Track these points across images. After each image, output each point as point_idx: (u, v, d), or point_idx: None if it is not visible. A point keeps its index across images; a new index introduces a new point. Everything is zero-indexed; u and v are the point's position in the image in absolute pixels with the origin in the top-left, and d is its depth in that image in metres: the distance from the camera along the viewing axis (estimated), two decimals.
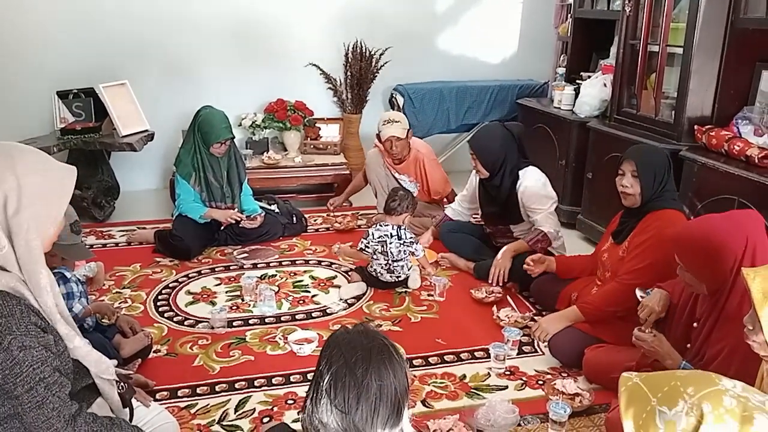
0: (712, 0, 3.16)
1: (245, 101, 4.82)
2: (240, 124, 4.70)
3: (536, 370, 2.56)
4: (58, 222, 1.45)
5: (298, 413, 2.26)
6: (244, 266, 3.50)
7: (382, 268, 3.20)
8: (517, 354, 2.67)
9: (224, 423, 2.23)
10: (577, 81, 4.40)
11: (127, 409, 1.66)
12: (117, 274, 3.37)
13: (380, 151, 3.99)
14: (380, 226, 3.23)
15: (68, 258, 2.37)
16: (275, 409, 2.31)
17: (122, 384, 1.66)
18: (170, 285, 3.27)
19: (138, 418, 1.72)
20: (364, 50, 4.86)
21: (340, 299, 3.14)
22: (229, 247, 3.72)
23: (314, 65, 4.93)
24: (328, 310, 3.04)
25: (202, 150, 3.62)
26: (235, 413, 2.28)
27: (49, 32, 4.40)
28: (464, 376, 2.52)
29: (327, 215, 4.30)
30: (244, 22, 4.75)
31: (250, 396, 2.38)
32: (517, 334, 2.67)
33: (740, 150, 2.99)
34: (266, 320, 2.94)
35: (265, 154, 4.59)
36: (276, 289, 3.21)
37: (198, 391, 2.41)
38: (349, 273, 3.35)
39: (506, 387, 2.46)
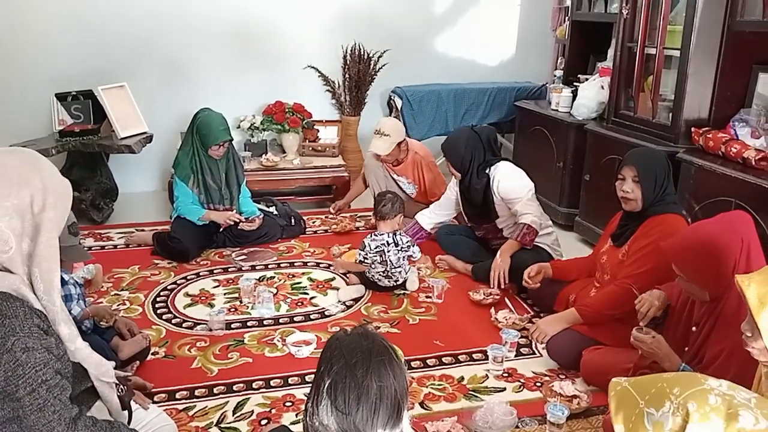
0: (709, 3, 3.18)
1: (244, 103, 4.83)
2: (238, 126, 4.71)
3: (534, 372, 2.57)
4: (62, 226, 1.48)
5: (297, 415, 2.27)
6: (243, 268, 3.51)
7: (380, 275, 3.20)
8: (515, 356, 2.67)
9: (222, 425, 2.23)
10: (575, 83, 4.42)
11: (126, 412, 1.66)
12: (115, 276, 3.37)
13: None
14: (375, 235, 3.21)
15: (66, 259, 2.36)
16: (273, 411, 2.31)
17: (121, 387, 1.66)
18: (168, 287, 3.28)
19: (136, 420, 1.72)
20: (362, 52, 4.87)
21: (339, 301, 3.15)
22: (228, 249, 3.72)
23: (313, 67, 4.94)
24: (326, 312, 3.05)
25: (200, 152, 3.63)
26: (233, 415, 2.28)
27: (47, 34, 4.40)
28: (462, 378, 2.52)
29: (326, 217, 4.31)
30: (243, 24, 4.76)
31: (248, 398, 2.38)
32: (515, 336, 2.67)
33: (737, 152, 3.00)
34: (264, 322, 2.94)
35: (263, 156, 4.60)
36: (274, 291, 3.21)
37: (196, 393, 2.41)
38: (347, 275, 3.35)
39: (504, 389, 2.46)
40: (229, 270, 3.50)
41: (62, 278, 2.40)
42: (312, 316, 3.01)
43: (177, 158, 3.71)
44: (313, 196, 4.66)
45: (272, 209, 4.02)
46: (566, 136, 4.13)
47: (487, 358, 2.59)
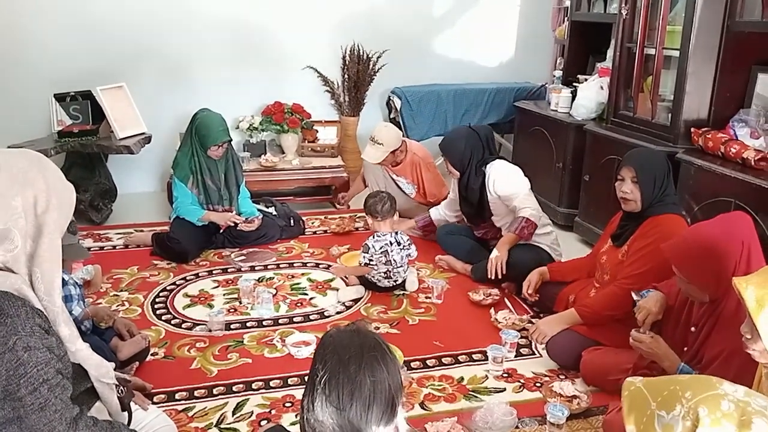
0: (708, 3, 3.18)
1: (243, 104, 4.82)
2: (237, 127, 4.71)
3: (534, 373, 2.57)
4: (65, 228, 1.50)
5: (296, 416, 2.26)
6: (242, 269, 3.50)
7: (381, 275, 3.20)
8: (515, 356, 2.67)
9: (222, 426, 2.23)
10: (574, 84, 4.42)
11: (126, 413, 1.66)
12: (114, 277, 3.36)
13: None
14: (378, 236, 3.21)
15: (66, 258, 2.36)
16: (273, 411, 2.31)
17: (121, 388, 1.66)
18: (168, 288, 3.27)
19: (136, 421, 1.72)
20: (361, 53, 4.87)
21: (338, 302, 3.14)
22: (227, 250, 3.72)
23: (312, 68, 4.94)
24: (325, 313, 3.04)
25: (199, 153, 3.62)
26: (232, 416, 2.28)
27: (46, 35, 4.40)
28: (462, 379, 2.52)
29: (325, 218, 4.31)
30: (242, 25, 4.75)
31: (247, 399, 2.38)
32: (514, 337, 2.67)
33: (736, 152, 3.00)
34: (264, 323, 2.93)
35: (262, 156, 4.59)
36: (274, 291, 3.21)
37: (196, 394, 2.40)
38: (347, 276, 3.35)
39: (504, 389, 2.46)
40: (229, 270, 3.49)
41: (62, 279, 2.40)
42: (311, 317, 3.01)
43: (176, 159, 3.71)
44: (312, 196, 4.65)
45: (271, 210, 4.02)
46: (566, 136, 4.13)
47: (486, 359, 2.59)
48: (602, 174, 3.66)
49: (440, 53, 5.28)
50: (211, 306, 3.08)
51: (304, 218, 4.14)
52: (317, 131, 4.89)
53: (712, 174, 3.01)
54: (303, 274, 3.47)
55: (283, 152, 4.78)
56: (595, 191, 3.82)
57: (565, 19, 4.81)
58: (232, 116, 4.61)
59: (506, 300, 3.07)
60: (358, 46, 4.86)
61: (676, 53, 3.38)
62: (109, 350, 2.40)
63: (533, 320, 2.87)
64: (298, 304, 3.12)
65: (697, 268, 1.97)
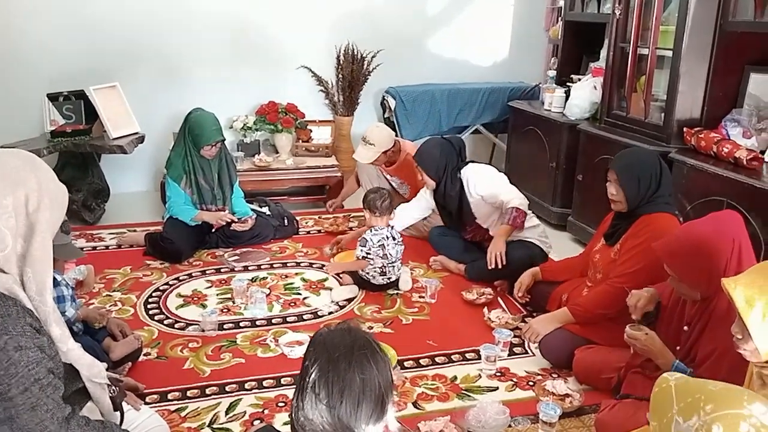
0: (701, 3, 3.19)
1: (236, 103, 4.81)
2: (231, 127, 4.70)
3: (527, 371, 2.57)
4: (57, 228, 1.49)
5: (289, 415, 2.25)
6: (235, 269, 3.50)
7: (375, 271, 3.20)
8: (508, 355, 2.67)
9: (215, 426, 2.22)
10: (568, 83, 4.43)
11: (118, 413, 1.66)
12: (107, 277, 3.35)
13: None
14: (376, 230, 3.23)
15: (59, 257, 2.35)
16: (266, 411, 2.30)
17: (113, 387, 1.66)
18: (161, 288, 3.26)
19: (128, 421, 1.72)
20: (355, 53, 4.87)
21: (332, 301, 3.14)
22: (220, 250, 3.71)
23: (306, 67, 4.93)
24: (319, 313, 3.04)
25: (192, 152, 3.61)
26: (225, 416, 2.28)
27: (39, 35, 4.38)
28: (455, 378, 2.52)
29: (319, 217, 4.30)
30: (236, 24, 4.74)
31: (240, 399, 2.37)
32: (507, 336, 2.68)
33: (729, 152, 3.01)
34: (257, 323, 2.93)
35: (256, 156, 4.58)
36: (267, 291, 3.20)
37: (188, 394, 2.40)
38: (341, 275, 3.35)
39: (497, 388, 2.46)
40: (222, 270, 3.48)
41: (54, 279, 2.39)
42: (305, 317, 3.00)
43: (169, 158, 3.70)
44: (306, 196, 4.65)
45: (265, 209, 4.01)
46: (559, 136, 4.14)
47: (480, 358, 2.60)
48: (595, 174, 3.66)
49: (434, 53, 5.28)
50: (204, 306, 3.08)
51: (297, 218, 4.14)
52: (311, 131, 4.89)
53: (705, 173, 3.02)
54: (297, 273, 3.47)
55: (277, 152, 4.77)
56: (588, 191, 3.83)
57: (559, 19, 4.82)
58: (226, 116, 4.60)
59: (499, 299, 3.08)
60: (352, 45, 4.86)
61: (669, 53, 3.38)
62: (101, 350, 2.39)
63: (526, 319, 2.87)
64: (292, 304, 3.12)
65: (688, 266, 1.97)
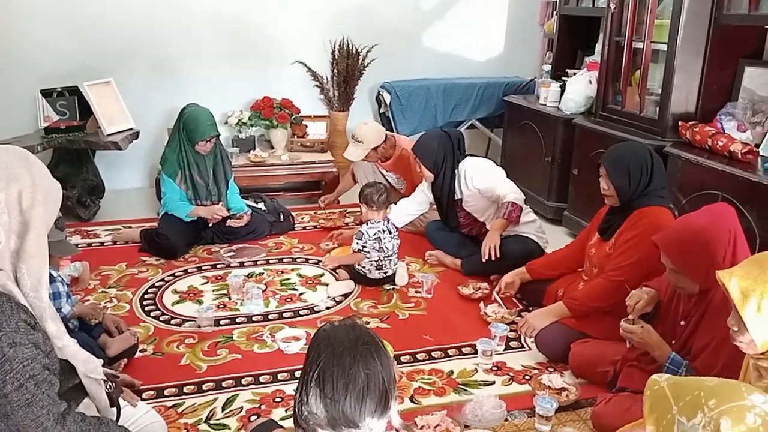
0: None
1: (231, 99, 4.80)
2: (226, 122, 4.68)
3: (523, 366, 2.58)
4: (51, 224, 1.49)
5: (286, 411, 2.26)
6: (231, 265, 3.49)
7: (371, 265, 3.20)
8: (504, 350, 2.68)
9: (211, 422, 2.22)
10: (563, 78, 4.43)
11: (115, 409, 1.66)
12: (102, 274, 3.34)
13: None
14: (372, 223, 3.23)
15: (54, 254, 2.35)
16: (263, 407, 2.30)
17: (110, 383, 1.66)
18: (156, 284, 3.26)
19: (125, 417, 1.71)
20: (350, 48, 4.85)
21: (328, 297, 3.14)
22: (216, 246, 3.70)
23: (301, 63, 4.92)
24: (315, 308, 3.04)
25: (187, 148, 3.60)
26: (222, 412, 2.28)
27: (33, 31, 4.35)
28: (452, 372, 2.53)
29: (315, 213, 4.30)
30: (230, 20, 4.72)
31: (237, 394, 2.37)
32: (504, 330, 2.68)
33: (723, 145, 3.02)
34: (253, 318, 2.93)
35: (251, 152, 4.57)
36: (263, 287, 3.20)
37: (185, 390, 2.40)
38: (337, 271, 3.35)
39: (493, 382, 2.47)
40: (218, 266, 3.48)
41: (50, 275, 2.38)
42: (301, 312, 3.00)
43: (164, 154, 3.68)
44: (301, 191, 4.64)
45: (261, 205, 4.00)
46: (554, 130, 4.14)
47: (476, 352, 2.60)
48: (591, 168, 3.65)
49: (429, 48, 5.27)
50: (200, 302, 3.07)
51: (293, 213, 4.13)
52: (306, 126, 4.88)
53: (700, 167, 3.03)
54: (293, 269, 3.46)
55: (272, 147, 4.76)
56: (583, 185, 3.83)
57: (554, 13, 4.81)
58: (221, 111, 4.59)
59: (495, 294, 3.08)
60: (347, 40, 4.85)
61: (664, 47, 3.38)
62: (97, 347, 2.39)
63: (522, 314, 2.88)
64: (288, 300, 3.12)
65: (689, 257, 1.98)
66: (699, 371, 1.95)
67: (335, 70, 4.92)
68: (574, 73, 4.31)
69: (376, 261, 3.19)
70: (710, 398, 1.08)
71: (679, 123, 3.32)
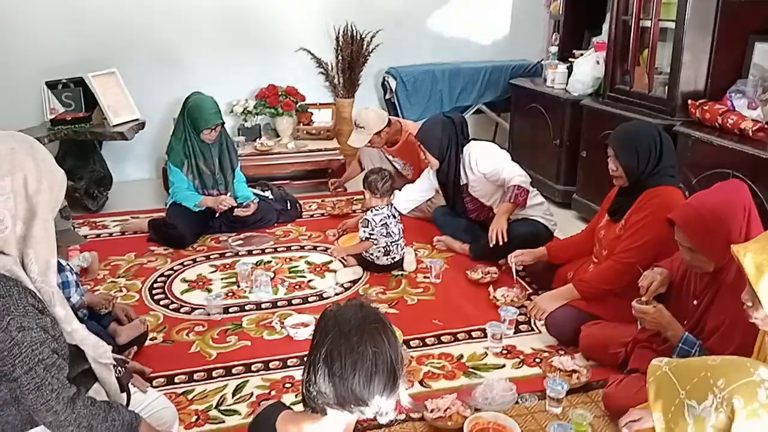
0: None
1: (236, 88, 4.78)
2: (231, 111, 4.67)
3: (533, 348, 2.57)
4: (57, 210, 1.50)
5: (296, 396, 2.26)
6: (239, 253, 3.49)
7: (379, 252, 3.20)
8: (514, 333, 2.67)
9: (222, 408, 2.23)
10: (570, 59, 4.38)
11: (124, 395, 1.66)
12: (112, 264, 3.35)
13: None
14: (376, 210, 3.22)
15: (61, 242, 2.35)
16: (273, 392, 2.31)
17: (119, 368, 1.66)
18: (165, 273, 3.26)
19: (135, 403, 1.72)
20: (354, 33, 4.82)
21: (337, 283, 3.14)
22: (224, 235, 3.70)
23: (305, 50, 4.89)
24: (324, 295, 3.03)
25: (192, 137, 3.60)
26: (232, 398, 2.28)
27: (36, 22, 4.34)
28: (461, 356, 2.52)
29: (322, 200, 4.29)
30: (233, 8, 4.70)
31: (247, 381, 2.38)
32: (513, 313, 2.67)
33: (734, 123, 2.98)
34: (262, 306, 2.93)
35: (257, 140, 4.56)
36: (272, 275, 3.19)
37: (195, 377, 2.40)
38: (345, 257, 3.34)
39: (504, 365, 2.46)
40: (226, 255, 3.48)
41: (60, 264, 2.39)
42: (310, 299, 3.00)
43: (170, 144, 3.68)
44: (308, 180, 4.63)
45: (267, 193, 4.00)
46: (562, 112, 4.09)
47: (485, 336, 2.59)
48: (599, 150, 3.59)
49: (434, 32, 5.22)
50: (209, 290, 3.07)
51: (300, 202, 4.12)
52: (312, 114, 4.86)
53: (710, 146, 2.99)
54: (301, 257, 3.46)
55: (278, 136, 4.74)
56: (592, 167, 3.80)
57: None
58: (226, 100, 4.57)
59: (513, 270, 3.04)
60: (351, 25, 4.81)
61: (672, 24, 3.34)
62: (107, 335, 2.40)
63: (532, 297, 2.86)
64: (297, 287, 3.11)
65: (705, 234, 1.95)
66: (713, 351, 1.93)
67: (340, 57, 4.88)
68: (581, 54, 4.26)
69: (384, 247, 3.18)
70: (718, 378, 1.07)
71: (689, 102, 3.28)
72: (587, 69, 4.04)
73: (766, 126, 2.93)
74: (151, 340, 2.63)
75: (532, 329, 2.71)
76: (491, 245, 3.13)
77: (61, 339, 1.47)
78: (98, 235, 3.77)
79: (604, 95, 3.87)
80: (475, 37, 5.34)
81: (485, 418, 2.07)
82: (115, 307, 2.56)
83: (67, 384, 1.42)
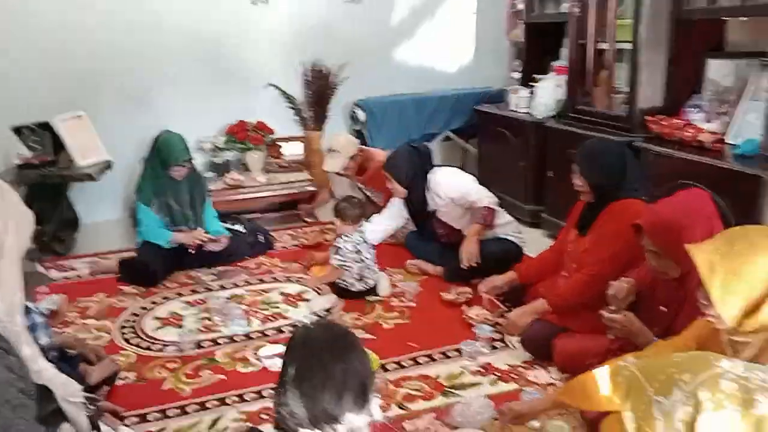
0: None
1: (205, 125, 4.78)
2: (201, 148, 4.67)
3: (509, 365, 2.57)
4: (24, 251, 1.49)
5: (274, 428, 2.22)
6: (212, 288, 3.45)
7: (353, 278, 3.19)
8: (490, 350, 2.67)
9: None
10: (532, 84, 4.48)
11: None
12: (81, 305, 3.28)
13: None
14: (346, 237, 3.23)
15: (28, 284, 2.31)
16: (249, 424, 2.26)
17: (90, 406, 1.63)
18: (136, 312, 3.21)
19: None
20: (322, 68, 4.88)
21: (311, 312, 3.12)
22: (196, 271, 3.66)
23: (273, 85, 4.93)
24: (299, 325, 3.01)
25: (162, 175, 3.58)
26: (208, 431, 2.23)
27: (2, 67, 4.32)
28: (438, 376, 2.51)
29: (295, 232, 4.28)
30: (200, 46, 4.73)
31: (222, 414, 2.33)
32: (488, 331, 2.68)
33: (692, 136, 3.07)
34: (236, 339, 2.89)
35: (227, 175, 4.55)
36: (245, 307, 3.16)
37: (168, 413, 2.35)
38: (319, 286, 3.33)
39: (480, 383, 2.46)
40: (198, 290, 3.44)
41: (27, 307, 2.34)
42: (284, 330, 2.97)
43: (139, 183, 3.66)
44: (281, 212, 4.63)
45: (239, 227, 3.97)
46: (527, 135, 4.18)
47: (461, 355, 2.59)
48: (565, 169, 3.65)
49: (400, 63, 5.31)
50: (181, 326, 3.03)
51: (273, 233, 4.11)
52: (282, 147, 4.88)
53: (670, 159, 3.07)
54: (274, 288, 3.43)
55: (249, 170, 4.75)
56: (559, 186, 3.85)
57: (520, 22, 4.88)
58: (195, 137, 4.57)
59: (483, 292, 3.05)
60: (317, 60, 4.87)
61: (629, 45, 3.45)
62: (78, 376, 2.34)
63: (505, 314, 2.87)
64: (271, 318, 3.09)
65: (671, 237, 1.99)
66: None
67: (308, 91, 4.93)
68: (542, 79, 4.37)
69: (357, 273, 3.18)
70: (684, 373, 1.08)
71: (648, 118, 3.37)
72: (549, 92, 4.14)
73: (722, 138, 3.03)
74: (122, 379, 2.57)
75: (508, 346, 2.71)
76: (464, 267, 3.15)
77: (29, 379, 1.44)
78: (67, 278, 3.70)
79: (567, 116, 3.97)
80: (440, 66, 5.44)
81: None
82: (84, 348, 2.51)
83: (36, 425, 1.39)
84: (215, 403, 2.40)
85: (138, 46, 4.58)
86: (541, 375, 2.36)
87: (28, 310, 2.30)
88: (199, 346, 2.82)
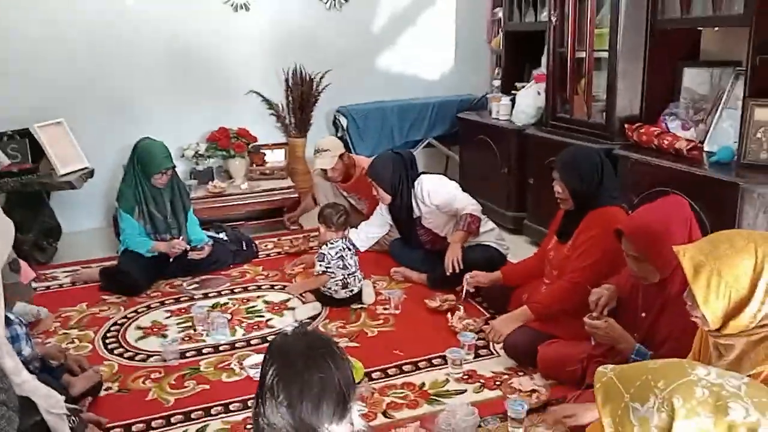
0: (632, 4, 3.33)
1: (187, 132, 4.76)
2: (183, 155, 4.65)
3: (493, 372, 2.59)
4: (3, 262, 1.48)
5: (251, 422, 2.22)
6: (195, 297, 3.44)
7: (337, 285, 3.20)
8: (474, 357, 2.69)
9: None
10: (513, 92, 4.53)
11: None
12: (63, 315, 3.26)
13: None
14: (331, 243, 3.24)
15: (10, 296, 2.29)
16: None
17: (73, 418, 1.63)
18: (119, 322, 3.19)
19: None
20: (303, 75, 4.89)
21: (295, 321, 3.12)
22: (179, 279, 3.64)
23: (255, 92, 4.93)
24: (283, 333, 3.00)
25: (143, 182, 3.56)
26: None
27: None
28: (423, 384, 2.53)
29: (279, 239, 4.28)
30: (182, 53, 4.72)
31: (207, 424, 2.33)
32: (472, 338, 2.70)
33: (669, 144, 3.13)
34: (220, 348, 2.89)
35: (209, 183, 4.54)
36: (229, 316, 3.15)
37: (153, 424, 2.34)
38: (303, 295, 3.33)
39: (465, 390, 2.48)
40: (181, 299, 3.43)
41: (8, 318, 2.32)
42: (269, 338, 2.97)
43: (120, 190, 3.63)
44: (264, 219, 4.62)
45: (222, 235, 3.97)
46: (508, 142, 4.22)
47: (446, 363, 2.61)
48: (545, 176, 3.70)
49: (382, 70, 5.34)
50: (164, 336, 3.01)
51: (257, 241, 4.11)
52: (265, 154, 4.87)
53: (648, 166, 3.12)
54: (258, 296, 3.43)
55: (231, 177, 4.74)
56: (540, 193, 3.90)
57: (499, 30, 4.93)
58: (177, 145, 4.54)
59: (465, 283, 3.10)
60: (299, 67, 4.88)
61: (606, 54, 3.50)
62: (61, 387, 2.32)
63: (489, 321, 2.90)
64: (255, 327, 3.08)
65: (651, 242, 2.04)
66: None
67: (290, 98, 4.94)
68: (523, 86, 4.42)
69: (341, 280, 3.19)
70: (658, 380, 1.10)
71: (626, 126, 3.42)
72: (529, 100, 4.19)
73: (699, 145, 3.09)
74: (106, 390, 2.56)
75: (491, 353, 2.74)
76: (448, 273, 3.18)
77: (11, 391, 1.43)
78: (48, 287, 3.67)
79: (547, 124, 4.02)
80: (422, 73, 5.47)
81: None
82: (67, 359, 2.49)
83: None
84: (200, 413, 2.40)
85: (118, 52, 4.56)
86: (524, 381, 2.39)
87: (8, 321, 2.29)
88: (183, 356, 2.81)
